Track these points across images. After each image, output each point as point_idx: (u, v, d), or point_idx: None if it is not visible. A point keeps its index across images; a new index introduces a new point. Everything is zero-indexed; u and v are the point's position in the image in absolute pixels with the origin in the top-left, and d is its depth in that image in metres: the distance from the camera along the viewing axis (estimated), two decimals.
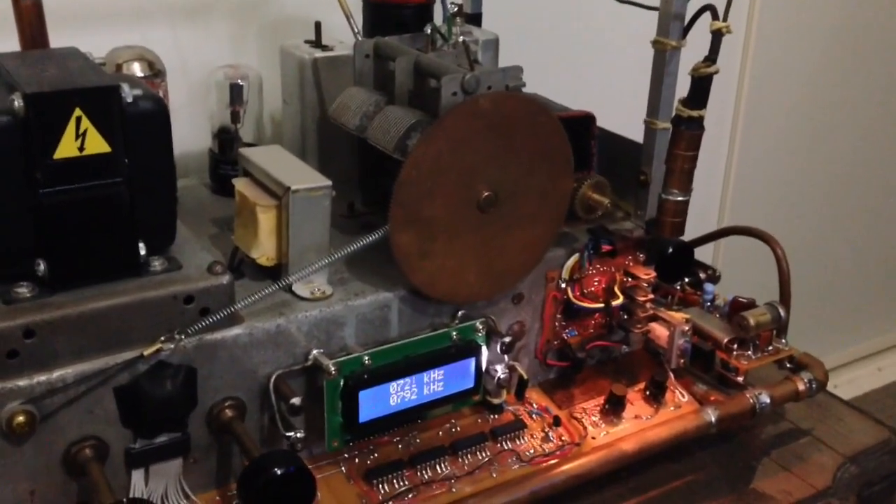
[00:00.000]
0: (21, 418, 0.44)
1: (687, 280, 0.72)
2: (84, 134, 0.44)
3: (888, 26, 1.35)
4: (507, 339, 0.58)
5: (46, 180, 0.44)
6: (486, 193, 0.53)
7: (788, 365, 0.68)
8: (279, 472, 0.45)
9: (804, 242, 1.44)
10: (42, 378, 0.45)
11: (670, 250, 0.64)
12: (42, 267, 0.46)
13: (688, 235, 0.70)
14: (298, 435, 0.51)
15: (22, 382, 0.44)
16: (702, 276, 0.72)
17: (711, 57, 0.54)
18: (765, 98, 1.26)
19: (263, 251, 0.54)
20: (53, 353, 0.45)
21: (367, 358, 0.52)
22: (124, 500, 0.46)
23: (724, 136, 1.25)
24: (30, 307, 0.45)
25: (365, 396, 0.52)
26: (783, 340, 0.69)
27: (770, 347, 0.67)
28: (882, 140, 1.45)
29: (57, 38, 0.57)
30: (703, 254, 0.73)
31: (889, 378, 1.59)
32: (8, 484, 0.46)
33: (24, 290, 0.46)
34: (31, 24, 0.55)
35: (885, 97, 1.42)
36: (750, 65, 1.21)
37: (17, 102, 0.43)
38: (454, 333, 0.55)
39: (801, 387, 0.66)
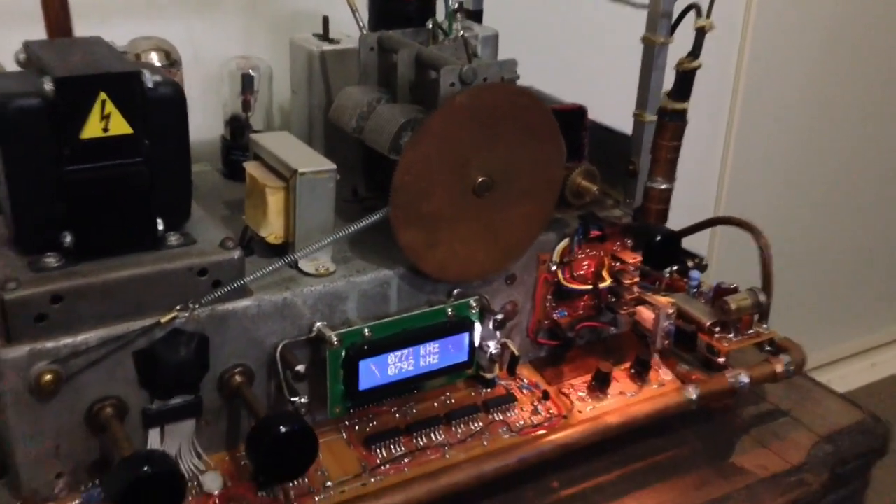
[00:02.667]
0: (48, 377, 0.48)
1: (675, 267, 0.76)
2: (108, 116, 0.48)
3: (885, 22, 1.37)
4: (500, 317, 0.61)
5: (73, 158, 0.48)
6: (480, 179, 0.57)
7: (768, 348, 0.72)
8: (284, 430, 0.48)
9: (799, 238, 1.48)
10: (68, 341, 0.48)
11: (658, 238, 0.68)
12: (68, 238, 0.49)
13: (683, 227, 0.74)
14: (303, 400, 0.54)
15: (49, 344, 0.48)
16: (690, 264, 0.76)
17: (695, 52, 0.58)
18: (761, 93, 1.29)
19: (272, 230, 0.57)
20: (78, 317, 0.49)
21: (367, 330, 0.56)
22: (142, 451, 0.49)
23: (721, 131, 1.28)
24: (57, 275, 0.49)
25: (365, 366, 0.56)
26: (764, 325, 0.72)
27: (751, 331, 0.70)
28: (878, 136, 1.48)
29: (79, 29, 0.61)
30: (699, 243, 0.77)
31: (882, 373, 1.63)
32: (35, 439, 0.49)
33: (51, 260, 0.49)
34: (56, 13, 0.59)
35: (880, 94, 1.44)
36: (746, 59, 1.24)
37: (48, 85, 0.47)
38: (449, 310, 0.59)
39: (779, 369, 0.70)
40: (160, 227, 0.52)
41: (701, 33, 0.57)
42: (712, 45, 1.16)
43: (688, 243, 0.78)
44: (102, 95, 0.47)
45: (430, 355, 0.58)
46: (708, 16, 0.57)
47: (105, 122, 0.48)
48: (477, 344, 0.61)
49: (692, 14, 0.60)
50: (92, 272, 0.49)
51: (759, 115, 1.30)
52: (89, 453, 0.51)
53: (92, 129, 0.48)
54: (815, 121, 1.38)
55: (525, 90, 0.57)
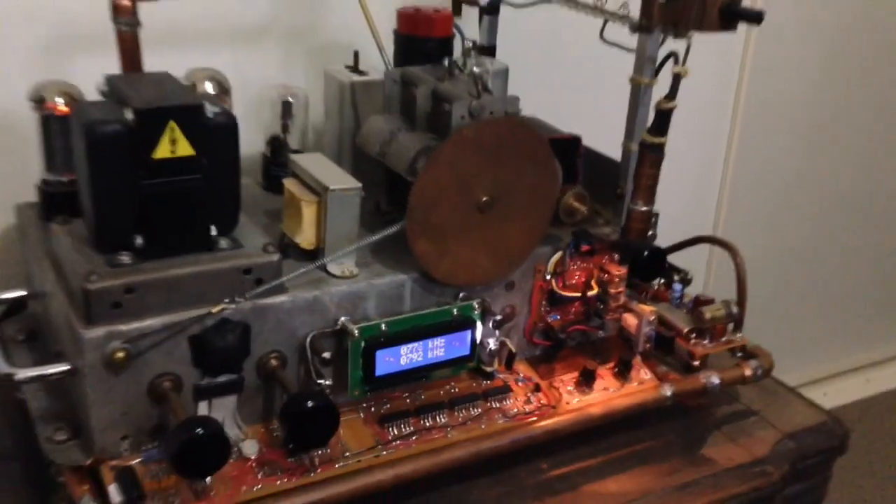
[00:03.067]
0: (120, 354, 0.58)
1: (662, 280, 0.85)
2: (176, 140, 0.58)
3: (885, 45, 1.44)
4: (499, 318, 0.71)
5: (146, 174, 0.58)
6: (484, 198, 0.66)
7: (740, 354, 0.81)
8: (311, 404, 0.58)
9: (797, 259, 1.55)
10: (136, 325, 0.58)
11: (646, 253, 0.77)
12: (139, 240, 0.59)
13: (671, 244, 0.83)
14: (327, 383, 0.64)
15: (122, 327, 0.58)
16: (676, 277, 0.85)
17: (671, 95, 0.67)
18: (760, 114, 1.35)
19: (305, 237, 0.67)
20: (145, 306, 0.59)
21: (383, 325, 0.66)
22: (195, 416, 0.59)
23: (720, 151, 1.36)
24: (129, 271, 0.59)
25: (381, 355, 0.65)
26: (739, 334, 0.81)
27: (724, 338, 0.79)
28: (875, 158, 1.53)
29: (144, 55, 0.71)
30: (699, 256, 0.84)
31: (876, 389, 1.69)
32: (107, 406, 0.59)
33: (125, 258, 0.59)
34: (131, 50, 0.69)
35: (878, 117, 1.50)
36: (746, 81, 1.31)
37: (129, 115, 0.57)
38: (455, 310, 0.68)
39: (748, 372, 0.78)
40: (213, 232, 0.62)
41: (677, 78, 0.66)
42: (713, 67, 1.24)
43: (687, 257, 0.87)
44: (172, 124, 0.58)
45: (436, 348, 0.68)
46: (683, 63, 0.66)
47: (173, 145, 0.58)
48: (478, 341, 0.70)
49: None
50: (157, 269, 0.59)
51: (758, 137, 1.36)
52: (150, 420, 0.61)
53: (162, 150, 0.58)
54: (813, 141, 1.44)
55: (524, 123, 0.67)
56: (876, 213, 1.60)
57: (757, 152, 1.39)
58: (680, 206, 1.33)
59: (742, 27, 0.68)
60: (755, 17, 0.66)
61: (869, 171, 1.55)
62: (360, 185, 0.66)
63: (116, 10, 0.67)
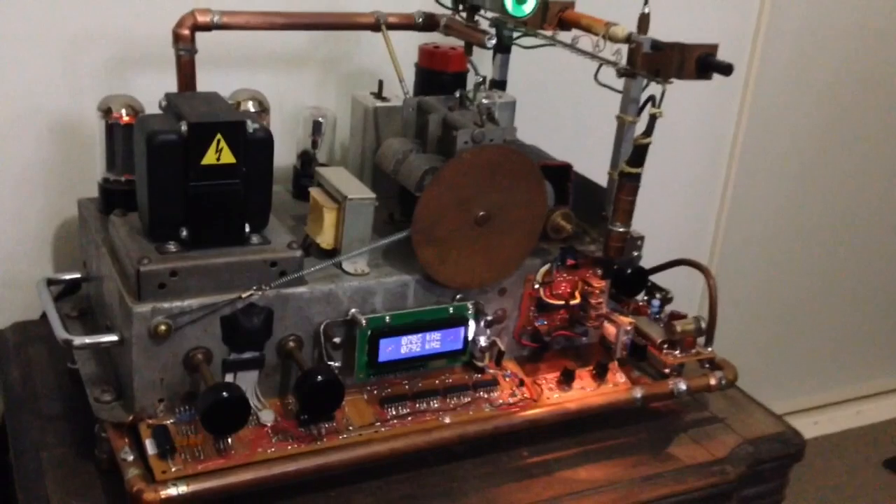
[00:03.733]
0: (163, 327, 0.68)
1: (645, 297, 0.94)
2: (221, 150, 0.69)
3: (891, 75, 1.51)
4: (490, 318, 0.81)
5: (195, 177, 0.69)
6: (480, 213, 0.76)
7: (707, 365, 0.90)
8: (321, 378, 0.68)
9: (791, 293, 1.63)
10: (178, 303, 0.68)
11: (629, 271, 0.86)
12: (184, 233, 0.70)
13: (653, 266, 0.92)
14: (337, 364, 0.74)
15: (166, 304, 0.68)
16: (657, 295, 0.94)
17: (647, 132, 0.76)
18: (758, 147, 1.43)
19: (325, 239, 0.77)
20: (186, 288, 0.69)
21: (388, 318, 0.75)
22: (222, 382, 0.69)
23: (719, 183, 1.45)
24: (175, 257, 0.69)
25: (384, 344, 0.75)
26: (709, 348, 0.90)
27: (693, 350, 0.88)
28: (871, 190, 1.60)
29: (198, 78, 0.83)
30: (695, 277, 0.92)
31: (866, 420, 1.76)
32: (149, 371, 0.69)
33: (171, 247, 0.70)
34: (186, 70, 0.80)
35: (873, 150, 1.56)
36: (747, 112, 1.38)
37: (184, 127, 0.68)
38: (451, 308, 0.78)
39: (713, 381, 0.87)
40: (247, 229, 0.72)
41: (653, 119, 0.76)
42: (714, 96, 1.33)
43: (687, 277, 0.96)
44: (219, 136, 0.68)
45: (433, 341, 0.78)
46: (659, 106, 0.76)
47: (218, 154, 0.69)
48: (471, 337, 0.80)
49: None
50: (198, 257, 0.70)
51: (754, 168, 1.43)
52: (183, 386, 0.71)
53: (209, 158, 0.69)
54: (808, 171, 1.51)
55: (517, 149, 0.77)
56: (869, 253, 1.66)
57: (753, 182, 1.46)
58: (677, 230, 1.42)
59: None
60: (726, 69, 0.76)
61: (864, 203, 1.61)
62: (374, 196, 0.77)
63: (177, 38, 0.78)
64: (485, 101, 0.84)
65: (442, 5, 0.88)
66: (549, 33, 0.89)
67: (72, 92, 0.93)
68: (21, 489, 0.72)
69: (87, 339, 0.73)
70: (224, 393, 0.66)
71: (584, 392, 0.83)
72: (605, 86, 0.83)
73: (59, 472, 0.73)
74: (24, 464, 0.74)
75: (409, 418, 0.77)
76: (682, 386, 0.85)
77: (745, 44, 1.35)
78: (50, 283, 0.85)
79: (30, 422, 0.79)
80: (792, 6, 1.36)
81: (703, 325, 0.87)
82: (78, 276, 0.88)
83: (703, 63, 0.77)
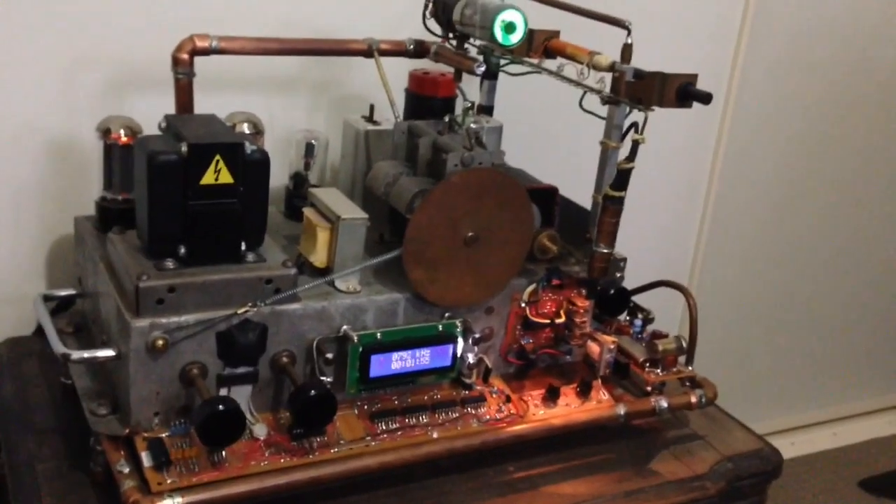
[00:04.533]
0: (160, 342, 0.70)
1: (628, 317, 0.97)
2: (219, 170, 0.71)
3: (863, 104, 1.55)
4: (478, 336, 0.83)
5: (193, 196, 0.70)
6: (469, 234, 0.79)
7: (688, 383, 0.92)
8: (315, 392, 0.70)
9: (769, 314, 1.66)
10: (175, 319, 0.70)
11: (612, 291, 0.89)
12: (182, 250, 0.72)
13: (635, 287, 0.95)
14: (329, 380, 0.76)
15: (163, 320, 0.70)
16: (640, 315, 0.97)
17: (630, 158, 0.79)
18: (737, 175, 1.47)
19: (318, 257, 0.79)
20: (183, 304, 0.71)
21: (379, 334, 0.78)
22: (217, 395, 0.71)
23: (698, 207, 1.48)
24: (173, 274, 0.71)
25: (375, 360, 0.77)
26: (689, 367, 0.93)
27: (674, 369, 0.91)
28: (848, 214, 1.64)
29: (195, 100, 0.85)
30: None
31: (842, 442, 1.79)
32: (146, 384, 0.71)
33: (170, 263, 0.72)
34: (185, 93, 0.83)
35: (855, 174, 1.61)
36: (725, 139, 1.42)
37: (184, 148, 0.70)
38: (440, 326, 0.80)
39: (693, 399, 0.90)
40: (243, 247, 0.74)
41: (636, 144, 0.79)
42: (694, 119, 1.37)
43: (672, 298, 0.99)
44: (217, 157, 0.71)
45: (422, 357, 0.80)
46: (641, 132, 0.79)
47: (217, 174, 0.71)
48: (459, 355, 0.82)
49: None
50: (195, 274, 0.72)
51: (733, 190, 1.48)
52: (179, 400, 0.73)
53: (208, 178, 0.71)
54: (788, 191, 1.55)
55: (504, 172, 0.80)
56: (847, 267, 1.70)
57: (732, 206, 1.50)
58: (659, 252, 1.46)
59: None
60: (705, 98, 0.79)
61: (841, 226, 1.65)
62: (366, 216, 0.79)
63: (176, 62, 0.81)
64: (473, 125, 0.86)
65: (432, 33, 0.91)
66: (535, 61, 0.93)
67: (70, 112, 0.95)
68: (17, 502, 0.73)
69: (85, 354, 0.75)
70: (220, 406, 0.67)
71: (569, 409, 0.86)
72: (589, 112, 0.86)
73: (54, 485, 0.74)
74: (19, 477, 0.75)
75: (399, 433, 0.79)
76: (664, 403, 0.88)
77: (723, 73, 1.40)
78: (46, 298, 0.87)
79: (24, 436, 0.80)
80: (769, 38, 1.41)
81: (684, 344, 0.90)
82: (73, 292, 0.90)
83: (683, 92, 0.80)
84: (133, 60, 0.96)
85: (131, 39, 0.96)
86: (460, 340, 0.82)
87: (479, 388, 0.85)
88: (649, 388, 0.89)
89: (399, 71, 0.99)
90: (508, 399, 0.85)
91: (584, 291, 0.88)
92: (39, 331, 0.80)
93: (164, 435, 0.72)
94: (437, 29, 0.91)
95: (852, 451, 1.79)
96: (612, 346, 0.88)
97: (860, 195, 1.64)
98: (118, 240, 0.76)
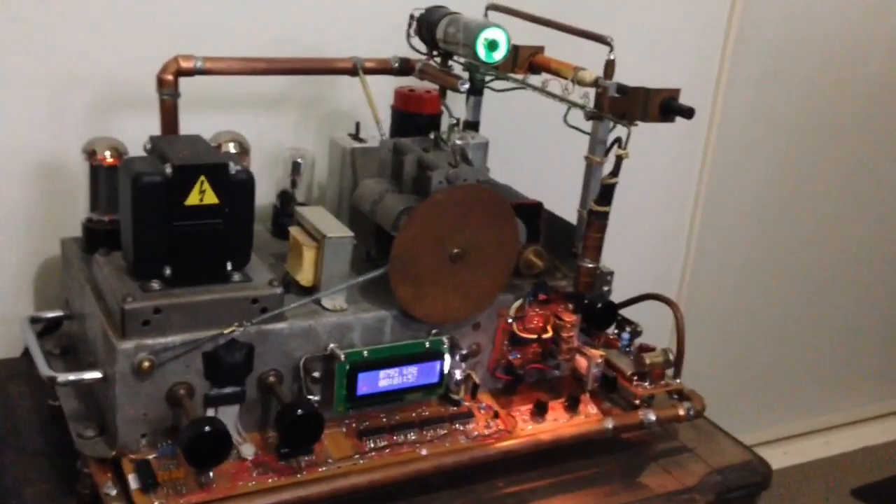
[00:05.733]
0: (146, 363, 0.70)
1: (616, 330, 0.97)
2: (204, 191, 0.71)
3: (847, 117, 1.56)
4: (465, 352, 0.83)
5: (178, 217, 0.71)
6: (455, 251, 0.79)
7: (676, 396, 0.93)
8: (302, 411, 0.70)
9: (758, 325, 1.67)
10: (161, 340, 0.70)
11: (599, 305, 0.90)
12: (168, 271, 0.72)
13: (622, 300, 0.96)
14: (316, 398, 0.76)
15: (149, 341, 0.70)
16: (627, 329, 0.97)
17: (614, 173, 0.80)
18: (723, 187, 1.47)
19: (305, 276, 0.80)
20: (169, 325, 0.71)
21: (366, 352, 0.78)
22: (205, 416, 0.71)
23: (685, 220, 1.49)
24: (158, 295, 0.71)
25: (362, 377, 0.77)
26: (677, 380, 0.93)
27: (662, 382, 0.91)
28: (835, 227, 1.65)
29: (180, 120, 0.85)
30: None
31: (834, 451, 1.80)
32: (132, 406, 0.71)
33: (155, 284, 0.72)
34: (170, 114, 0.83)
35: (844, 187, 1.62)
36: (711, 152, 1.43)
37: (168, 169, 0.70)
38: (427, 343, 0.81)
39: (682, 412, 0.90)
40: (229, 267, 0.75)
41: (619, 159, 0.80)
42: (681, 132, 1.39)
43: (650, 310, 0.99)
44: (202, 177, 0.71)
45: (410, 375, 0.80)
46: (625, 147, 0.80)
47: (202, 195, 0.71)
48: (446, 371, 0.83)
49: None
50: (181, 295, 0.72)
51: (722, 205, 1.49)
52: (166, 421, 0.73)
53: (193, 198, 0.71)
54: (772, 213, 1.56)
55: (488, 188, 0.80)
56: (836, 277, 1.71)
57: (719, 219, 1.51)
58: (646, 265, 1.46)
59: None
60: (687, 112, 0.80)
61: (829, 237, 1.66)
62: (352, 234, 0.79)
63: (161, 83, 0.81)
64: (458, 142, 0.87)
65: (417, 51, 0.92)
66: (519, 77, 0.93)
67: (56, 133, 0.95)
68: None
69: (71, 376, 0.75)
70: (206, 426, 0.67)
71: (557, 423, 0.86)
72: (573, 127, 0.87)
73: None
74: (6, 500, 0.75)
75: (387, 450, 0.79)
76: (652, 416, 0.88)
77: (708, 88, 1.41)
78: (32, 320, 0.86)
79: (13, 458, 0.80)
80: (753, 53, 1.42)
81: (672, 357, 0.90)
82: (60, 314, 0.89)
83: (665, 107, 0.81)
84: (120, 81, 0.97)
85: (116, 60, 0.96)
86: (447, 357, 0.82)
87: (467, 404, 0.85)
88: (637, 402, 0.89)
89: (385, 88, 1.00)
90: (497, 415, 0.85)
91: (570, 306, 0.88)
92: (27, 353, 0.79)
93: (151, 457, 0.72)
94: (422, 47, 0.92)
95: (845, 460, 1.79)
96: (599, 360, 0.88)
97: (846, 208, 1.66)
98: (104, 261, 0.77)
